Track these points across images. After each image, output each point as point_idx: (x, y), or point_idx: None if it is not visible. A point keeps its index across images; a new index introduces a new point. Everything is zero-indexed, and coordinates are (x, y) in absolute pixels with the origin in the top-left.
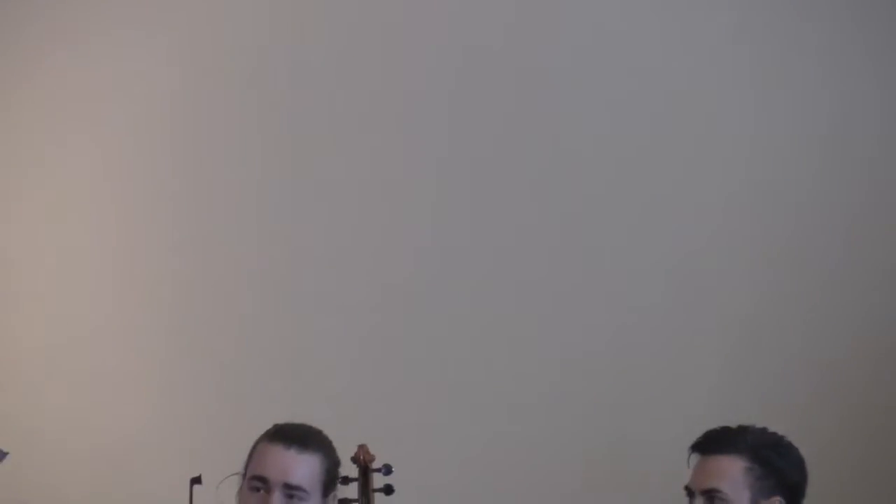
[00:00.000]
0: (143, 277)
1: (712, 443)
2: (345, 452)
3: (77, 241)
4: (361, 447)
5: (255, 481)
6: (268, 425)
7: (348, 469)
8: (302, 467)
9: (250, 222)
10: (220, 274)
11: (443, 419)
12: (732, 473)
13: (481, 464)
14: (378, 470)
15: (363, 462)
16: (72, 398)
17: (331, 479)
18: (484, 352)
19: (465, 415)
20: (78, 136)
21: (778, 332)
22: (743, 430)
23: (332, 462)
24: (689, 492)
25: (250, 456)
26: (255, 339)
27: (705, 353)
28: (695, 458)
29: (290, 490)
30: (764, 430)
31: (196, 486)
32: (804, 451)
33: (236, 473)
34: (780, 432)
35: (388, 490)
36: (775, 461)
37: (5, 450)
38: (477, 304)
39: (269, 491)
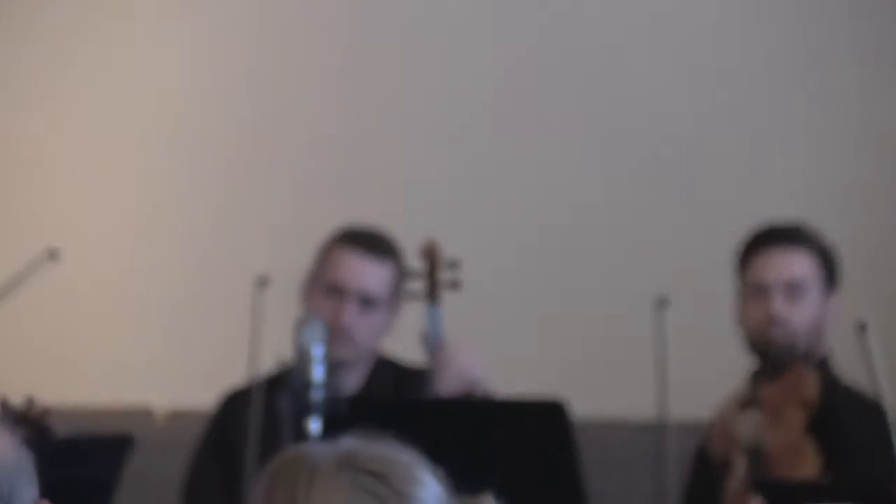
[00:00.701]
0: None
1: (785, 236)
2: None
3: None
4: (431, 241)
5: (329, 287)
6: (335, 220)
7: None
8: (379, 275)
9: None
10: (298, 70)
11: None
12: (809, 266)
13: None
14: (448, 265)
15: (433, 258)
16: (138, 191)
17: (399, 286)
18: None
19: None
20: None
21: None
22: (804, 228)
23: (401, 269)
24: (760, 287)
25: (322, 259)
26: (321, 133)
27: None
28: (756, 254)
29: (366, 299)
30: (817, 232)
31: (261, 286)
32: None
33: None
34: None
35: (455, 285)
36: (834, 258)
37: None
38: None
39: (342, 299)
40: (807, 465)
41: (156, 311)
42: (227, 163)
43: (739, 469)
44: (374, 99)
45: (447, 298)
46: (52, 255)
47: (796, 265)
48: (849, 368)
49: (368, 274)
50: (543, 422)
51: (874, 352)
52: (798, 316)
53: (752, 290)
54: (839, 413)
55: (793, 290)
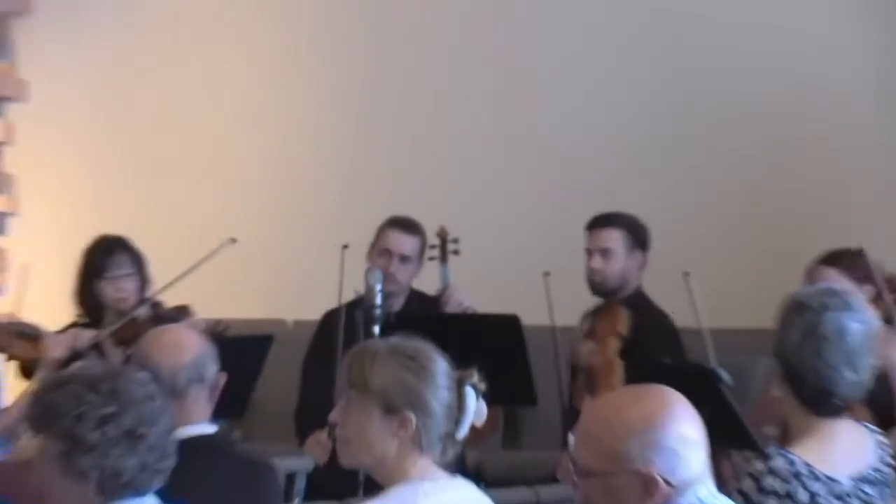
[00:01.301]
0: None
1: (603, 219)
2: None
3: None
4: (442, 227)
5: (382, 251)
6: (392, 207)
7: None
8: (411, 243)
9: None
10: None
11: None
12: (616, 238)
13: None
14: (452, 240)
15: (443, 236)
16: (282, 191)
17: (423, 250)
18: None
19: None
20: None
21: None
22: (617, 214)
23: (424, 240)
24: (589, 252)
25: (379, 235)
26: (392, 142)
27: None
28: (588, 233)
29: (403, 257)
30: (629, 215)
31: (345, 250)
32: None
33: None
34: None
35: (457, 252)
36: (636, 229)
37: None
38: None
39: (390, 258)
40: (616, 379)
41: (292, 266)
42: (326, 166)
43: (581, 379)
44: (425, 118)
45: (452, 260)
46: (233, 241)
47: (608, 238)
48: (677, 305)
49: (404, 243)
50: (506, 327)
51: (695, 292)
52: (609, 269)
53: (588, 253)
54: (647, 328)
55: (604, 253)
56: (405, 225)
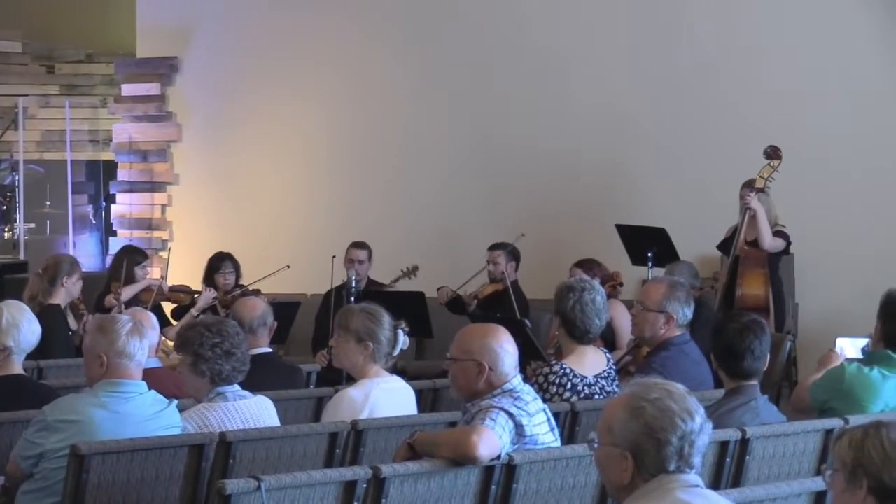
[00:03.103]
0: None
1: (497, 246)
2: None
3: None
4: (415, 265)
5: (349, 260)
6: (369, 221)
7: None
8: (363, 254)
9: None
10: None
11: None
12: (502, 256)
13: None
14: (412, 268)
15: (414, 268)
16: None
17: (370, 256)
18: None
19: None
20: None
21: None
22: (503, 242)
23: (370, 251)
24: (488, 262)
25: (347, 252)
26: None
27: None
28: (488, 252)
29: (360, 261)
30: (509, 243)
31: (334, 259)
32: None
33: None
34: None
35: (417, 273)
36: (516, 252)
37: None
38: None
39: (355, 263)
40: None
41: (306, 268)
42: (324, 217)
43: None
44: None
45: (416, 279)
46: (288, 266)
47: (499, 257)
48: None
49: (359, 254)
50: (417, 297)
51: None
52: (501, 269)
53: (489, 262)
54: (508, 296)
55: (495, 265)
56: (360, 245)
